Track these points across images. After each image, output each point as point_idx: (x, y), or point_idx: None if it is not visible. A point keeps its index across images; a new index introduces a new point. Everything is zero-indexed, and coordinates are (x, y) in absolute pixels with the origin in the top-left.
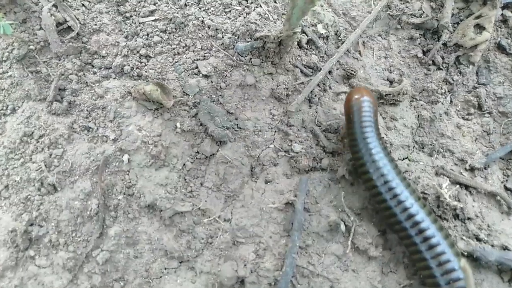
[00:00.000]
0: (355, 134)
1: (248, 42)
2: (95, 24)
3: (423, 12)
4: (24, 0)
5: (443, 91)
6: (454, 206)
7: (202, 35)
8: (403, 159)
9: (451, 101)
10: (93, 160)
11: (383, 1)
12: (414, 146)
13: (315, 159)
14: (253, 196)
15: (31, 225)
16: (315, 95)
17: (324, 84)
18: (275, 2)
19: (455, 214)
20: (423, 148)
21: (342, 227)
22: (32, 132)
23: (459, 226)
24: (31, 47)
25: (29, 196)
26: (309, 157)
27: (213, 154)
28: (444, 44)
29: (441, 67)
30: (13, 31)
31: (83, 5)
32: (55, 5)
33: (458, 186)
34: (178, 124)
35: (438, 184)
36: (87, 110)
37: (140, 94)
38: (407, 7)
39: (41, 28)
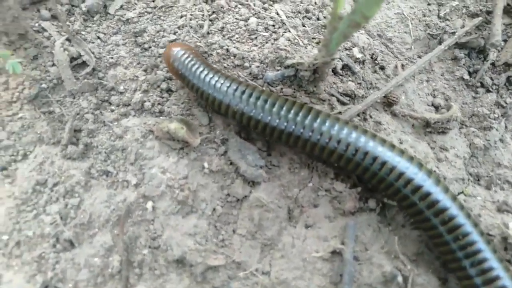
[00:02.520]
0: (193, 81)
1: (278, 70)
2: (112, 58)
3: (467, 30)
4: (35, 35)
5: (496, 116)
6: None
7: (228, 65)
8: (458, 194)
9: (506, 127)
10: (114, 209)
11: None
12: (469, 179)
13: (361, 198)
14: (293, 244)
15: (46, 287)
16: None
17: (364, 113)
18: (303, 26)
19: None
20: (478, 180)
21: (400, 278)
22: (46, 180)
23: None
24: (43, 85)
25: (43, 254)
26: (354, 197)
27: (246, 196)
28: (493, 64)
29: (491, 89)
30: (23, 69)
31: (98, 37)
32: (68, 39)
33: None
34: (205, 164)
35: (503, 223)
36: (105, 153)
37: (163, 133)
38: (447, 25)
39: (53, 65)
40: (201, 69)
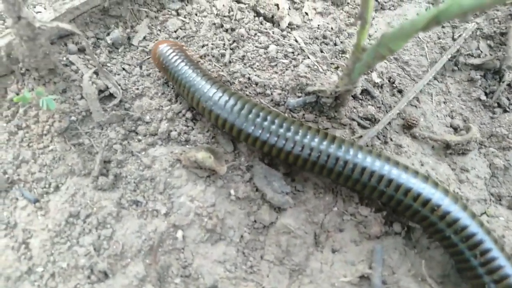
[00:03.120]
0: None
1: (299, 97)
2: (137, 89)
3: (481, 51)
4: (63, 68)
5: None
6: None
7: (250, 92)
8: (481, 214)
9: None
10: (145, 239)
11: (448, 52)
12: (490, 199)
13: (386, 222)
14: (321, 269)
15: None
16: (376, 149)
17: (384, 136)
18: (321, 51)
19: None
20: (500, 200)
21: None
22: (78, 212)
23: None
24: (73, 118)
25: (78, 285)
26: (380, 221)
27: (272, 222)
28: (509, 85)
29: (508, 109)
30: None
31: (123, 69)
32: (95, 72)
33: None
34: (232, 191)
35: None
36: (134, 183)
37: (190, 162)
38: (462, 47)
39: (82, 98)
40: (183, 64)
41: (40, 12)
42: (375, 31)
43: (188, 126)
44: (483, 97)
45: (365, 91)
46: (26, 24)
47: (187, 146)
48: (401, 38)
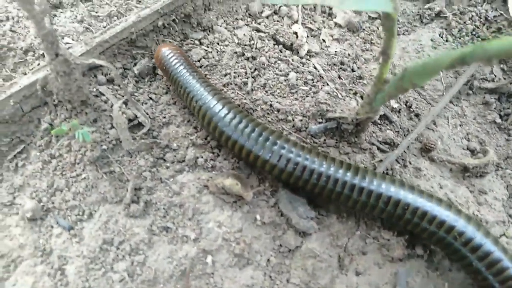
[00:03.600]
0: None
1: (320, 123)
2: (164, 117)
3: (495, 75)
4: (94, 99)
5: None
6: None
7: (272, 119)
8: (500, 236)
9: None
10: (176, 264)
11: (463, 76)
12: (509, 221)
13: (408, 245)
14: None
15: None
16: (396, 173)
17: (403, 159)
18: (340, 78)
19: None
20: None
21: None
22: (112, 239)
23: None
24: (104, 147)
25: None
26: (402, 244)
27: (298, 246)
28: None
29: None
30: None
31: (150, 98)
32: (125, 102)
33: None
34: (258, 216)
35: None
36: (164, 209)
37: (218, 188)
38: (477, 71)
39: (112, 127)
40: (182, 68)
41: (69, 43)
42: None
43: (213, 153)
44: (498, 120)
45: (383, 116)
46: (63, 60)
47: (213, 172)
48: (425, 75)
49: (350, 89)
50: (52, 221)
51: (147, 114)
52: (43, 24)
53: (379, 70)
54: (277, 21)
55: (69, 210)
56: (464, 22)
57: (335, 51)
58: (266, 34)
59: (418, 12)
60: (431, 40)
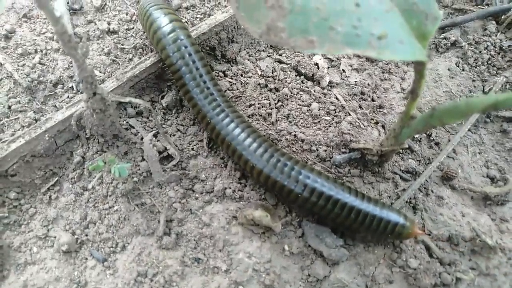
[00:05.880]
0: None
1: (344, 152)
2: (192, 149)
3: None
4: (125, 132)
5: None
6: None
7: (296, 149)
8: None
9: None
10: None
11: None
12: None
13: (435, 274)
14: None
15: None
16: (419, 201)
17: (425, 188)
18: (361, 107)
19: None
20: None
21: None
22: (146, 271)
23: None
24: (135, 179)
25: None
26: (429, 273)
27: (326, 276)
28: None
29: None
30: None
31: (178, 130)
32: (154, 135)
33: None
34: (286, 247)
35: None
36: (194, 240)
37: (247, 220)
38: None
39: (143, 159)
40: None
41: (97, 75)
42: (408, 85)
43: (241, 183)
44: None
45: None
46: (100, 99)
47: (241, 202)
48: (456, 115)
49: (371, 119)
50: (86, 253)
51: (176, 146)
52: (84, 66)
53: (406, 106)
54: (298, 52)
55: (102, 242)
56: (480, 52)
57: (355, 81)
58: (288, 65)
59: (434, 41)
60: (448, 69)
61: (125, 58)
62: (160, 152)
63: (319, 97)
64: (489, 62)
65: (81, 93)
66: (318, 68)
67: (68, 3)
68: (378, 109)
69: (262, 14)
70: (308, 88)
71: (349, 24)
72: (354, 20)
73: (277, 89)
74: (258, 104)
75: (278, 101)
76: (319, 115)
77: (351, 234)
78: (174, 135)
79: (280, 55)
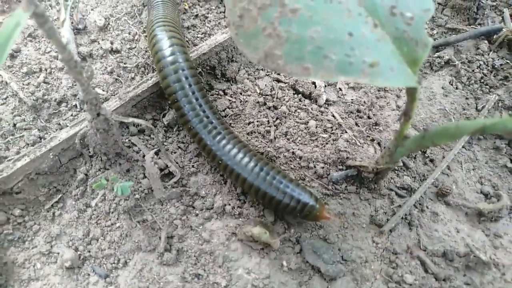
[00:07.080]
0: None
1: (340, 169)
2: (193, 166)
3: None
4: (127, 150)
5: None
6: None
7: (294, 166)
8: None
9: None
10: None
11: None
12: None
13: None
14: None
15: None
16: (414, 217)
17: (421, 204)
18: (357, 125)
19: None
20: None
21: None
22: (147, 287)
23: None
24: (136, 196)
25: None
26: None
27: None
28: None
29: None
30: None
31: (179, 147)
32: (156, 153)
33: None
34: (284, 263)
35: None
36: (194, 256)
37: (246, 236)
38: (486, 117)
39: (144, 177)
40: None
41: (100, 94)
42: (403, 103)
43: (240, 200)
44: (509, 164)
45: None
46: (104, 119)
47: (240, 219)
48: (446, 137)
49: (367, 136)
50: (88, 269)
51: (177, 163)
52: (89, 89)
53: (400, 127)
54: None
55: (104, 259)
56: (473, 70)
57: (352, 99)
58: (286, 84)
59: (428, 60)
60: (442, 87)
61: (128, 77)
62: (161, 170)
63: (316, 115)
64: (482, 80)
65: (85, 111)
66: (315, 86)
67: (72, 23)
68: (374, 127)
69: (260, 42)
70: (305, 106)
71: (342, 53)
72: (347, 49)
73: (275, 107)
74: (257, 121)
75: (277, 118)
76: (316, 132)
77: (349, 250)
78: (175, 153)
79: (279, 74)
